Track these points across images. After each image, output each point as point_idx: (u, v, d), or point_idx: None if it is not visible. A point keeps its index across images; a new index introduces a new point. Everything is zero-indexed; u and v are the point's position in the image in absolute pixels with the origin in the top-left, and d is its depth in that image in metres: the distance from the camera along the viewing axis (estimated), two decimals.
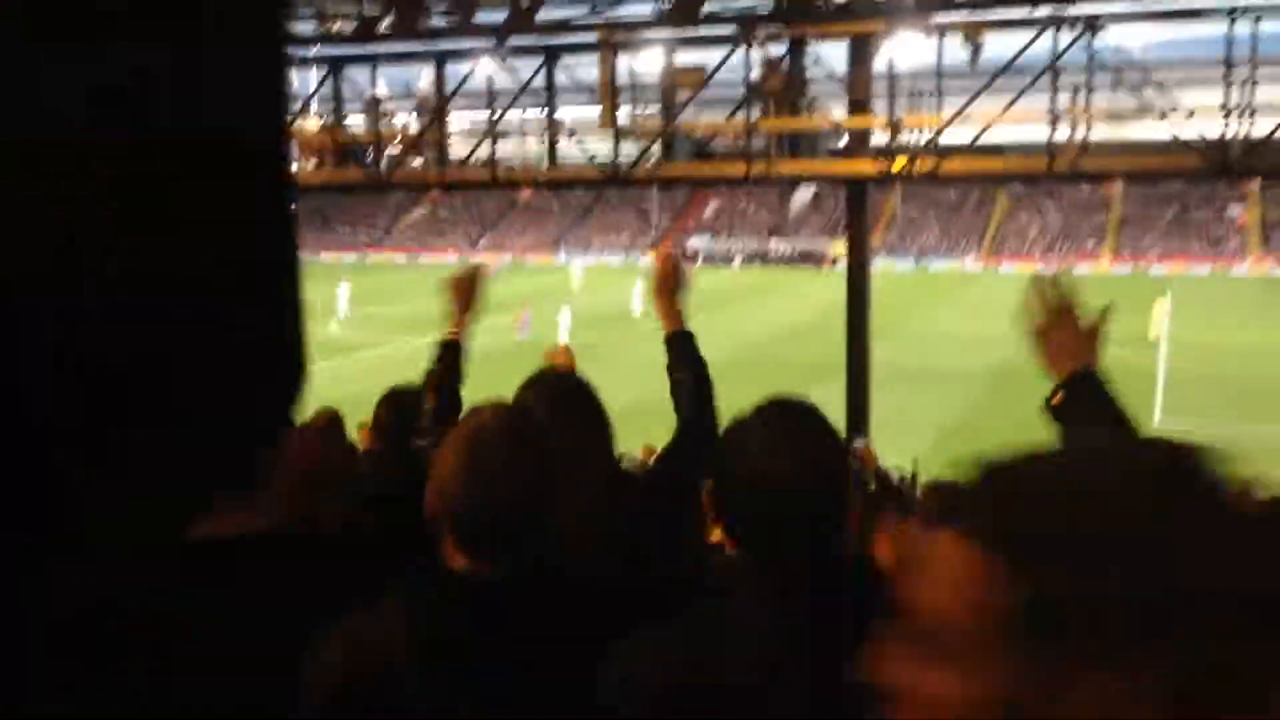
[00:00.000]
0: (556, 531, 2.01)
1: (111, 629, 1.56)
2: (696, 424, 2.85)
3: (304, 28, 15.72)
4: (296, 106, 17.75)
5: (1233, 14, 12.50)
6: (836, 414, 15.34)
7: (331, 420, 4.81)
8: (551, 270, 61.78)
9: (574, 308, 37.72)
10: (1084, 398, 2.05)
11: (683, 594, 1.91)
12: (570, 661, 1.77)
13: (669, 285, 3.04)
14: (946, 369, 31.45)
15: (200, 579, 1.67)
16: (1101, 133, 14.12)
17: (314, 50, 16.47)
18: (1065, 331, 2.08)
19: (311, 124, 17.60)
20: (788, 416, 1.88)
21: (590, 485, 2.32)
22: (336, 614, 1.84)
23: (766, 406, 1.88)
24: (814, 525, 1.77)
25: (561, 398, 2.68)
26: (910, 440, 20.74)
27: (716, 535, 1.97)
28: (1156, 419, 23.64)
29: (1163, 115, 13.10)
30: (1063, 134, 13.42)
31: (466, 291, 3.24)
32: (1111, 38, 13.16)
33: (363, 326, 37.93)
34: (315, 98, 17.78)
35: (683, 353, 2.97)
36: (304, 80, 26.39)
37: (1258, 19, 12.47)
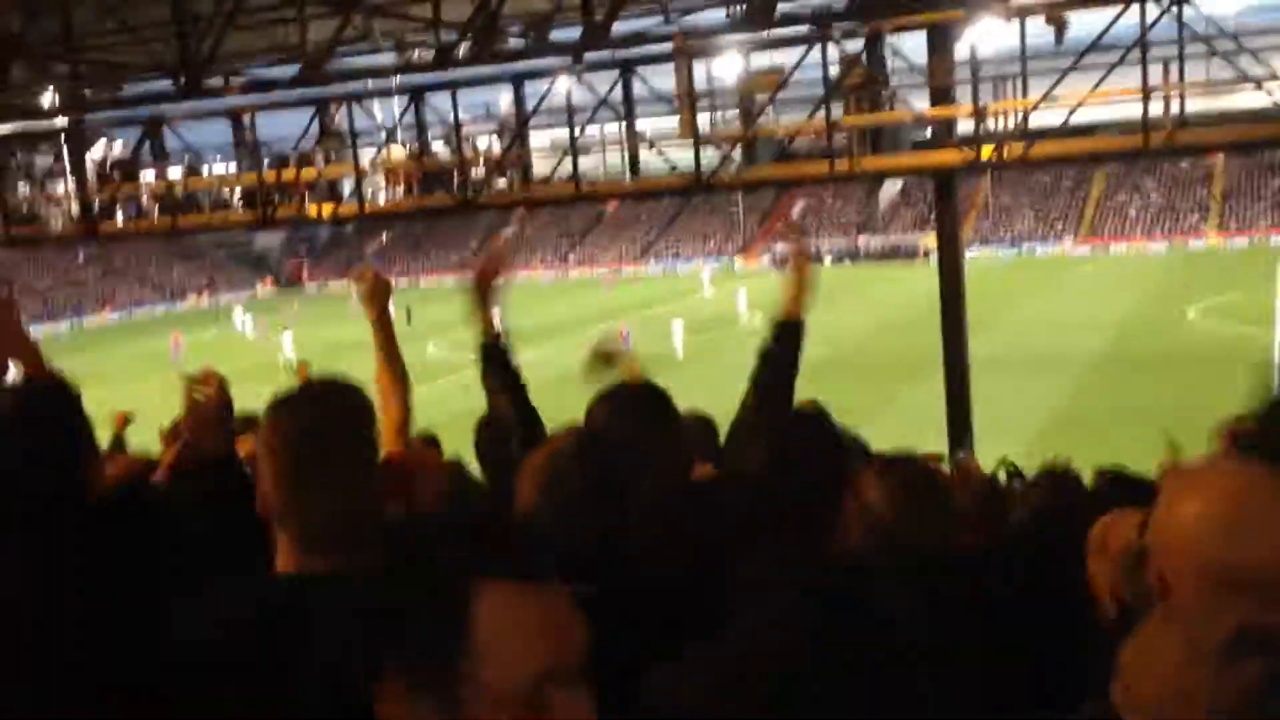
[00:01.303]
0: (631, 549, 2.02)
1: None
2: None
3: (384, 59, 16.00)
4: (382, 136, 18.13)
5: None
6: (935, 414, 14.63)
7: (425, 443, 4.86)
8: (651, 280, 62.03)
9: (685, 314, 38.22)
10: None
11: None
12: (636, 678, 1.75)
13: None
14: (1049, 356, 30.75)
15: None
16: (1197, 105, 13.65)
17: (395, 80, 16.74)
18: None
19: (397, 152, 17.92)
20: (775, 421, 1.90)
21: (663, 497, 2.32)
22: None
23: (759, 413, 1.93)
24: (793, 522, 1.75)
25: (634, 411, 2.66)
26: (1015, 432, 20.30)
27: None
28: None
29: (1259, 84, 12.62)
30: (1156, 109, 13.00)
31: (489, 284, 3.01)
32: (1201, 7, 12.71)
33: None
34: (399, 127, 18.08)
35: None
36: (388, 110, 26.92)
37: None
